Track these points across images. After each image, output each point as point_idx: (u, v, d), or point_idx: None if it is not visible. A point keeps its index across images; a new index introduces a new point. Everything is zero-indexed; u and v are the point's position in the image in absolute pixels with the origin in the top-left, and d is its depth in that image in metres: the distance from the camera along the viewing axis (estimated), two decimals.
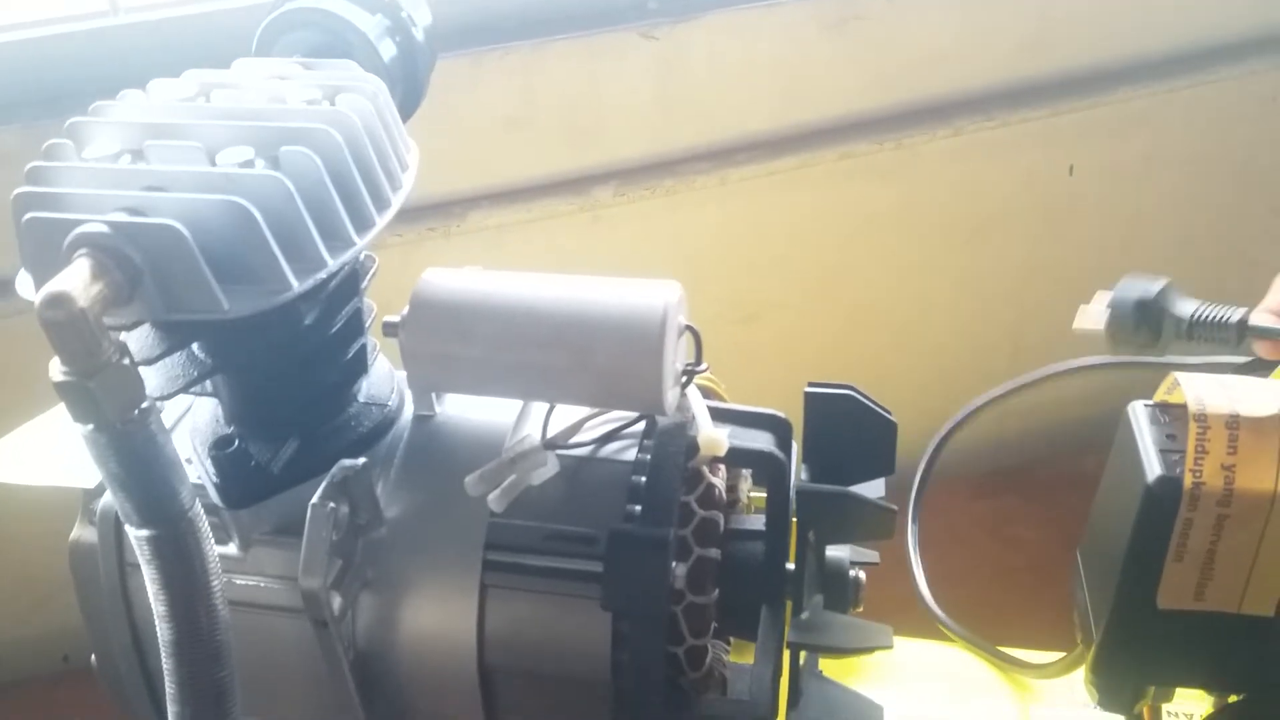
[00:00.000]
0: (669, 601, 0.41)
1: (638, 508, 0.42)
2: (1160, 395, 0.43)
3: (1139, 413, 0.42)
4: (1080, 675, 0.47)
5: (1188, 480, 0.39)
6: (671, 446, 0.43)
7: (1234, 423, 0.39)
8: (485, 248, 1.11)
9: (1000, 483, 1.45)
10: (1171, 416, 0.42)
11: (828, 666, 0.50)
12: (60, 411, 0.51)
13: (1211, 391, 0.40)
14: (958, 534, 1.38)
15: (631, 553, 0.40)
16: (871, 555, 0.51)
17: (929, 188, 1.24)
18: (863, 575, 0.48)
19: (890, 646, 0.43)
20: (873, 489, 0.46)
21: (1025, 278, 1.39)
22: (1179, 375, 0.41)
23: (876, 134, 1.16)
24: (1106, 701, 0.45)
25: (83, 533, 0.47)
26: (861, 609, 0.48)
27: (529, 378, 0.42)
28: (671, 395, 0.42)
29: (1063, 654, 0.53)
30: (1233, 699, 0.46)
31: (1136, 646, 0.43)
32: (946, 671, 0.60)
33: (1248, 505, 0.39)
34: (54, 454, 0.49)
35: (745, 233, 1.18)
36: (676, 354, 0.42)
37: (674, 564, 0.42)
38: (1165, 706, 0.48)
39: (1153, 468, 0.40)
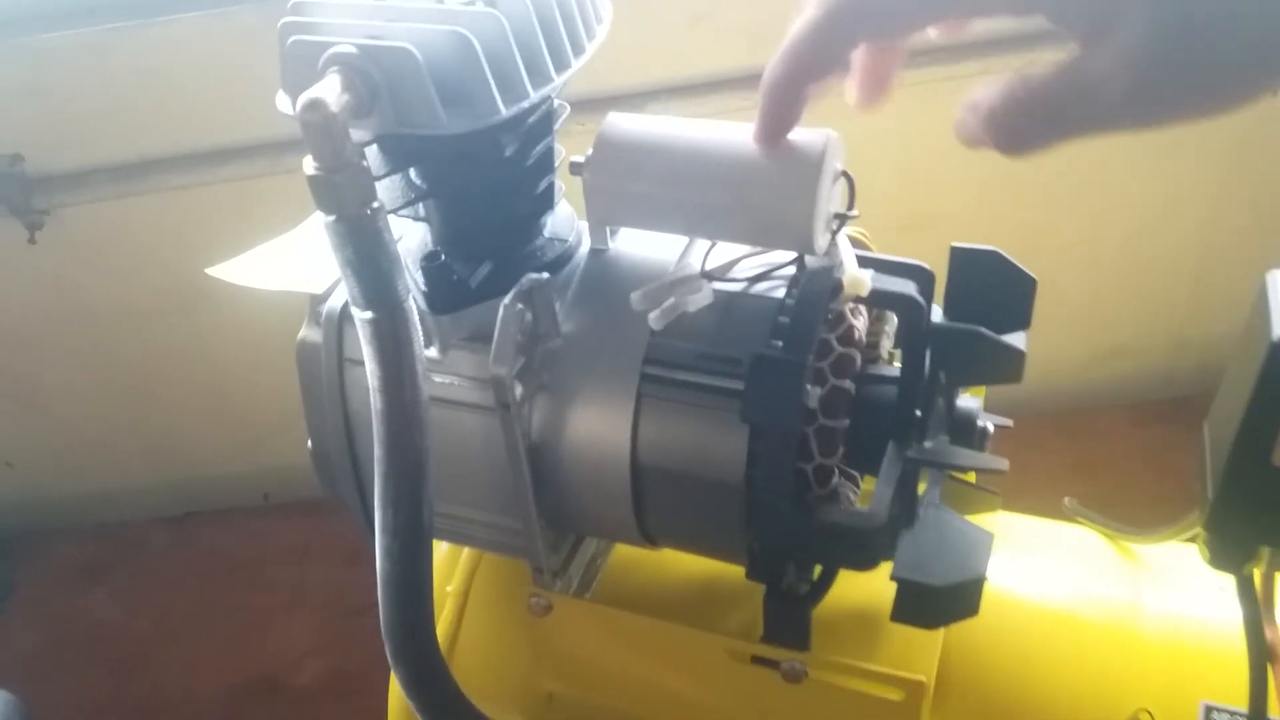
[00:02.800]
0: (801, 420, 0.46)
1: (779, 343, 0.47)
2: None
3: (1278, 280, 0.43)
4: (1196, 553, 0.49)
5: None
6: (818, 285, 0.47)
7: None
8: None
9: (1167, 411, 1.40)
10: None
11: None
12: (292, 235, 0.60)
13: None
14: (1115, 459, 1.35)
15: (770, 373, 0.45)
16: (1005, 420, 0.54)
17: None
18: (991, 426, 0.51)
19: (1005, 469, 0.47)
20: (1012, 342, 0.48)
21: (1214, 205, 1.33)
22: None
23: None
24: (1217, 560, 0.46)
25: (309, 333, 0.56)
26: None
27: (693, 213, 0.47)
28: (822, 239, 0.47)
29: None
30: None
31: (1249, 504, 0.44)
32: (1056, 543, 0.62)
33: None
34: (288, 266, 0.57)
35: (917, 137, 1.18)
36: (830, 198, 0.46)
37: (809, 387, 0.46)
38: None
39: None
